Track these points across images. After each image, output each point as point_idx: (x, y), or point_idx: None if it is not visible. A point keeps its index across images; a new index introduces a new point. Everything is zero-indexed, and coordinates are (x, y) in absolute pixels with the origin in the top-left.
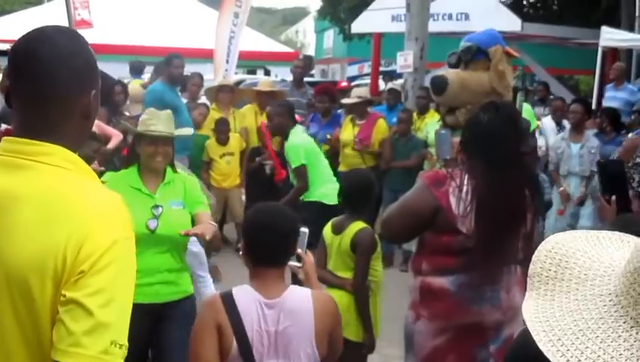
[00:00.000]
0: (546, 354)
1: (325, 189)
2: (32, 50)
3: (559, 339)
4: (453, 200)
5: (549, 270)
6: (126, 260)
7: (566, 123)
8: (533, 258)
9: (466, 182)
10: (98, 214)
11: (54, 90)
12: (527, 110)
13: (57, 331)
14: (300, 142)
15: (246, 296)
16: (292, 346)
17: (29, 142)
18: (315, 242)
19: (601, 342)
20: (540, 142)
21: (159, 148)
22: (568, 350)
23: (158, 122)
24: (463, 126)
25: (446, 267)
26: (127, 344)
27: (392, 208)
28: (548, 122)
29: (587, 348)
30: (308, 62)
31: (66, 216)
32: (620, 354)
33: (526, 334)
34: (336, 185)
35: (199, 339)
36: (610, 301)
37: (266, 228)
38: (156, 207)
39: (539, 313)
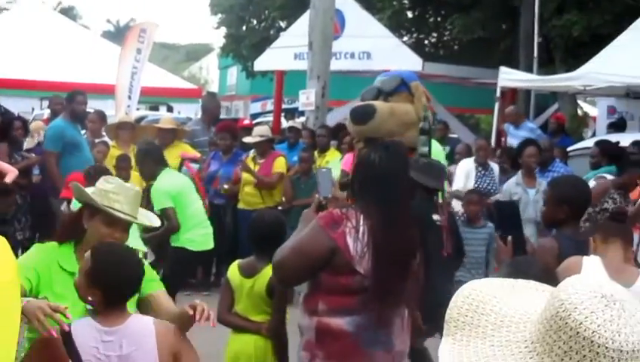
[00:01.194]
0: None
1: (192, 235)
2: None
3: None
4: (350, 241)
5: (466, 316)
6: (10, 303)
7: (494, 165)
8: (451, 303)
9: (362, 222)
10: None
11: None
12: (436, 150)
13: None
14: (165, 187)
15: (83, 328)
16: None
17: None
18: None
19: None
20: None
21: (117, 233)
22: None
23: (124, 200)
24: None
25: (344, 307)
26: None
27: (283, 250)
28: (467, 164)
29: None
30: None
31: None
32: None
33: None
34: (206, 230)
35: None
36: (525, 347)
37: (114, 269)
38: None
39: (454, 358)
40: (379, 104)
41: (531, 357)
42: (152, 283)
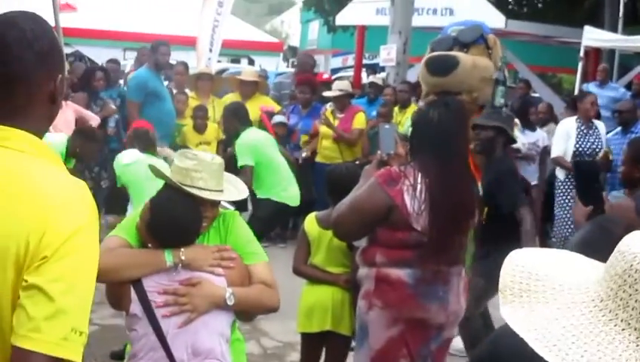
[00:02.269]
0: (548, 359)
1: (277, 190)
2: None
3: (555, 345)
4: (407, 199)
5: (521, 283)
6: (89, 248)
7: (598, 123)
8: (502, 272)
9: (419, 180)
10: (61, 200)
11: (19, 74)
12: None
13: (17, 316)
14: (248, 142)
15: None
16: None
17: None
18: (263, 238)
19: (597, 345)
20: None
21: (207, 212)
22: (567, 354)
23: (208, 176)
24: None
25: (403, 259)
26: (87, 331)
27: (343, 207)
28: (567, 124)
29: (586, 351)
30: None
31: (28, 201)
32: (620, 355)
33: (494, 342)
34: (288, 192)
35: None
36: (595, 306)
37: (169, 219)
38: None
39: (522, 324)
40: (461, 55)
41: (603, 315)
42: (251, 256)
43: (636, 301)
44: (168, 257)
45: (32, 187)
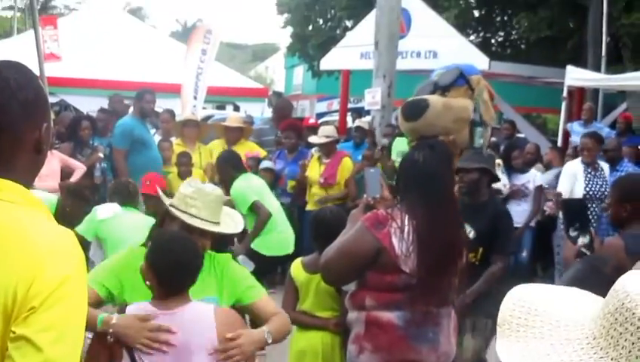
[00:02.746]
0: None
1: (268, 238)
2: None
3: None
4: (395, 241)
5: (519, 318)
6: (77, 296)
7: (603, 164)
8: (502, 306)
9: (406, 222)
10: (49, 250)
11: (3, 123)
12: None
13: None
14: (245, 185)
15: (138, 312)
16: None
17: None
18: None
19: None
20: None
21: (195, 240)
22: None
23: (202, 205)
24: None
25: (393, 302)
26: None
27: (331, 251)
28: (574, 166)
29: None
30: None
31: (16, 251)
32: None
33: None
34: (283, 235)
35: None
36: (587, 344)
37: (166, 254)
38: None
39: (515, 358)
40: (432, 97)
41: (595, 353)
42: (251, 291)
43: (626, 340)
44: (99, 322)
45: (21, 238)
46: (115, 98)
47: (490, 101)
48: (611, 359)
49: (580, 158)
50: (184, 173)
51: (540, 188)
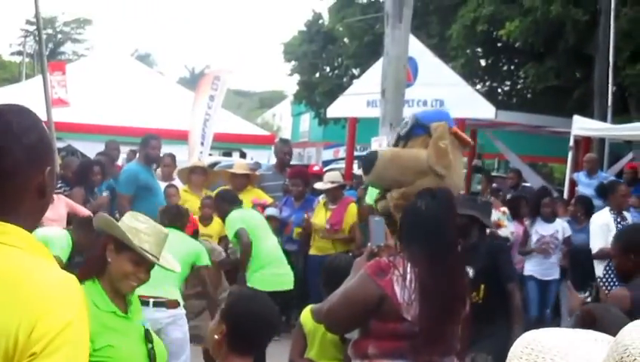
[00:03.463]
0: None
1: (264, 273)
2: None
3: None
4: (397, 289)
5: None
6: (79, 342)
7: (627, 213)
8: (510, 353)
9: (408, 270)
10: (51, 295)
11: (8, 168)
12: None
13: None
14: (236, 215)
15: None
16: None
17: None
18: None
19: None
20: (512, 227)
21: (141, 274)
22: None
23: (154, 241)
24: (393, 212)
25: (396, 350)
26: None
27: (333, 299)
28: (603, 217)
29: None
30: (291, 147)
31: (18, 296)
32: None
33: None
34: (279, 270)
35: None
36: None
37: (256, 317)
38: (146, 332)
39: None
40: (383, 150)
41: None
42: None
43: None
44: None
45: (24, 283)
46: (111, 144)
47: (464, 146)
48: None
49: (607, 209)
50: (206, 216)
51: (568, 240)
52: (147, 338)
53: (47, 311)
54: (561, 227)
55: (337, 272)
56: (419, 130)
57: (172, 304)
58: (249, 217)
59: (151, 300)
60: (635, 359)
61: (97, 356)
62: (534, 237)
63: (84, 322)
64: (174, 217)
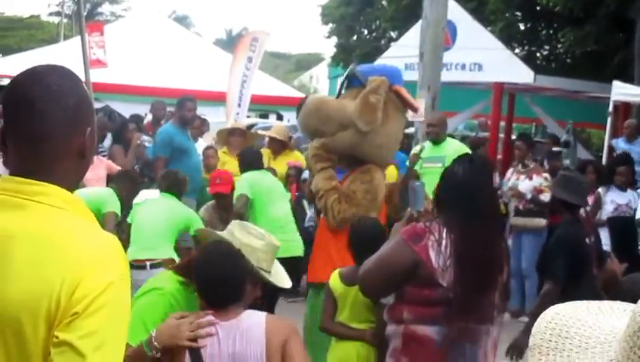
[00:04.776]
0: None
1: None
2: (23, 90)
3: None
4: (432, 255)
5: (550, 341)
6: (120, 303)
7: None
8: (533, 330)
9: (444, 235)
10: (93, 255)
11: (47, 130)
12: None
13: None
14: (245, 177)
15: (198, 317)
16: None
17: (27, 181)
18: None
19: None
20: None
21: (257, 292)
22: None
23: (270, 258)
24: (309, 162)
25: (430, 316)
26: None
27: (369, 264)
28: None
29: None
30: None
31: (60, 256)
32: None
33: None
34: (287, 236)
35: None
36: None
37: (214, 276)
38: None
39: None
40: (313, 97)
41: None
42: None
43: None
44: (146, 348)
45: (65, 243)
46: (157, 105)
47: (408, 106)
48: None
49: None
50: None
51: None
52: None
53: (90, 272)
54: (632, 196)
55: (363, 235)
56: (355, 81)
57: (168, 262)
58: (259, 181)
59: (147, 263)
60: None
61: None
62: (610, 207)
63: (126, 283)
64: (172, 183)
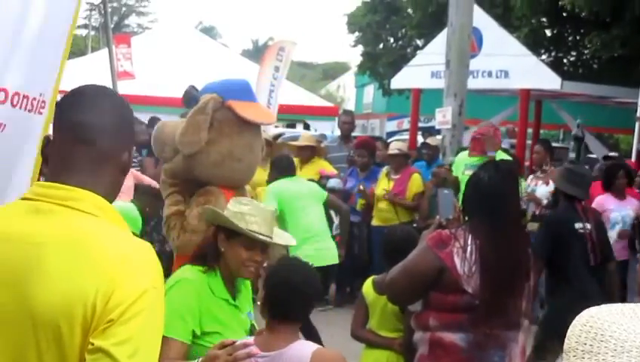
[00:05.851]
0: None
1: (303, 250)
2: (74, 104)
3: None
4: (457, 261)
5: (585, 344)
6: (155, 310)
7: None
8: (568, 333)
9: (469, 242)
10: (128, 264)
11: (98, 139)
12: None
13: None
14: (273, 188)
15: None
16: None
17: (60, 186)
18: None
19: None
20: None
21: (257, 256)
22: None
23: (262, 221)
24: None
25: (456, 323)
26: None
27: (395, 270)
28: None
29: None
30: (353, 118)
31: (93, 264)
32: None
33: None
34: (321, 244)
35: None
36: None
37: (289, 284)
38: (251, 327)
39: None
40: (159, 123)
41: None
42: None
43: None
44: None
45: (100, 250)
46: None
47: (230, 128)
48: None
49: None
50: None
51: None
52: (252, 333)
53: (124, 279)
54: None
55: (396, 243)
56: (193, 101)
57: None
58: (286, 190)
59: None
60: None
61: (206, 341)
62: None
63: (161, 289)
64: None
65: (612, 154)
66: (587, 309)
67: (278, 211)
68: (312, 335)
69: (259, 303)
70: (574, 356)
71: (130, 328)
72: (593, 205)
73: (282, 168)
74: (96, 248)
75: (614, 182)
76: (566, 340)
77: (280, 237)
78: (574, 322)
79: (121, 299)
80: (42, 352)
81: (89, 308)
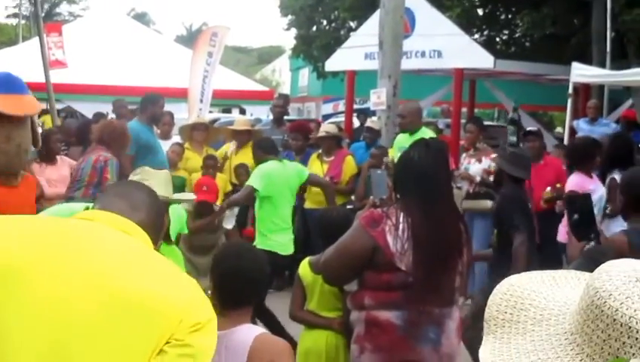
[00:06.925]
0: None
1: (268, 239)
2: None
3: None
4: (390, 239)
5: (505, 313)
6: (214, 337)
7: None
8: (489, 302)
9: (401, 220)
10: (194, 292)
11: (150, 219)
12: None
13: None
14: (264, 168)
15: None
16: None
17: (123, 220)
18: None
19: None
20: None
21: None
22: None
23: (156, 182)
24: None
25: (390, 301)
26: None
27: (330, 251)
28: None
29: None
30: (286, 101)
31: (178, 283)
32: None
33: None
34: (286, 239)
35: None
36: (565, 339)
37: (238, 272)
38: None
39: (495, 357)
40: None
41: (572, 349)
42: None
43: (598, 337)
44: None
45: (178, 273)
46: (118, 103)
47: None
48: (587, 355)
49: None
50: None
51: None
52: None
53: (199, 303)
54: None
55: (332, 224)
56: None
57: None
58: (277, 176)
59: None
60: (605, 301)
61: None
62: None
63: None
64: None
65: (530, 128)
66: (507, 278)
67: (268, 194)
68: (266, 316)
69: (209, 292)
70: (495, 324)
71: (196, 348)
72: (573, 186)
73: (267, 148)
74: (174, 270)
75: (590, 161)
76: (487, 309)
77: (178, 195)
78: (494, 291)
79: (196, 320)
80: (116, 336)
81: (173, 323)
